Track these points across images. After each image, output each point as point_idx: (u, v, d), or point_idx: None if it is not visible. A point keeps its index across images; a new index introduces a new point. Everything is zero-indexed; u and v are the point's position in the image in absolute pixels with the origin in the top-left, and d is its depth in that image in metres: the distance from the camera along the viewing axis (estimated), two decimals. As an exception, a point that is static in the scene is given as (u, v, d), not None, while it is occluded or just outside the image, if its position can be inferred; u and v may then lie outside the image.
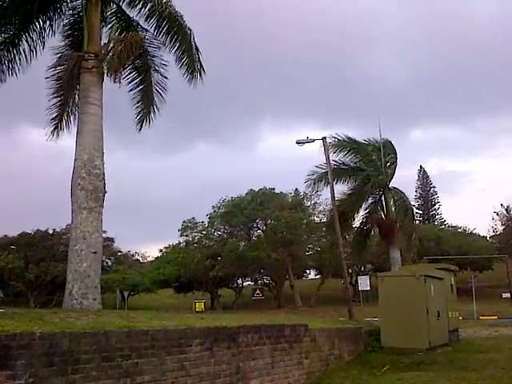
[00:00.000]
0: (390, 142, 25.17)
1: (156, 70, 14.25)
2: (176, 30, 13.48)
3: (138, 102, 14.44)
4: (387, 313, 13.92)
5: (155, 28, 13.65)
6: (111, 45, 12.23)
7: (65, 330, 5.93)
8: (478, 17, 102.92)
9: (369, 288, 38.91)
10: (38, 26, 13.26)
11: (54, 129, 14.31)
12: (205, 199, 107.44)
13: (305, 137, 20.51)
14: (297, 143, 20.51)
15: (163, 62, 14.16)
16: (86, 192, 11.28)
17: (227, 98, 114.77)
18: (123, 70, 12.31)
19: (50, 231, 47.86)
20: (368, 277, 42.04)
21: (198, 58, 13.70)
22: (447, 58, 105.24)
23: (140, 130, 14.49)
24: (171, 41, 13.62)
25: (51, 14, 13.36)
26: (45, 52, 13.50)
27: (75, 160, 11.60)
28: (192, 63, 13.63)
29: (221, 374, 7.87)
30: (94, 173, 11.47)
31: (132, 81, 14.22)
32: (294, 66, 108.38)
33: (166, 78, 14.32)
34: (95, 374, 5.91)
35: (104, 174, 11.81)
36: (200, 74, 13.75)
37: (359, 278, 44.16)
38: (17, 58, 13.34)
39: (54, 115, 14.21)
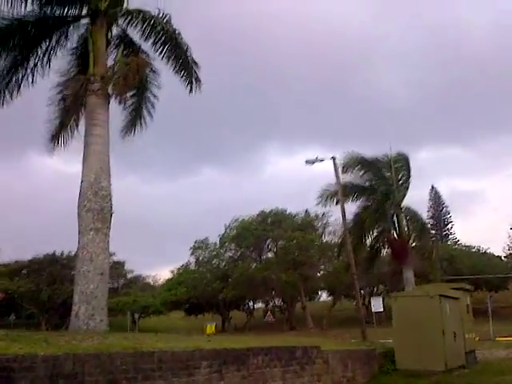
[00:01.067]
0: (405, 157, 24.48)
1: (149, 90, 14.60)
2: (174, 47, 13.66)
3: (128, 116, 14.78)
4: (401, 334, 13.57)
5: (155, 46, 13.80)
6: (117, 67, 12.31)
7: (68, 351, 5.78)
8: (482, 32, 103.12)
9: (382, 309, 38.23)
10: (44, 50, 13.46)
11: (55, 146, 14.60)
12: (214, 222, 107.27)
13: (313, 157, 20.48)
14: (306, 163, 20.47)
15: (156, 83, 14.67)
16: (92, 213, 11.22)
17: (234, 122, 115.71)
18: (129, 91, 12.38)
19: (58, 255, 48.10)
20: (381, 298, 41.29)
21: (195, 71, 13.93)
22: (453, 78, 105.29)
23: (125, 137, 14.98)
24: (170, 58, 13.80)
25: (57, 37, 13.54)
26: (52, 76, 13.72)
27: (82, 181, 11.60)
28: (189, 76, 13.87)
29: (230, 398, 7.63)
30: (100, 194, 11.41)
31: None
32: (298, 86, 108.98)
33: (155, 96, 14.85)
34: (99, 397, 5.72)
35: (111, 195, 11.75)
36: (198, 88, 14.01)
37: (372, 299, 43.43)
38: (23, 80, 13.56)
39: (61, 137, 14.39)
